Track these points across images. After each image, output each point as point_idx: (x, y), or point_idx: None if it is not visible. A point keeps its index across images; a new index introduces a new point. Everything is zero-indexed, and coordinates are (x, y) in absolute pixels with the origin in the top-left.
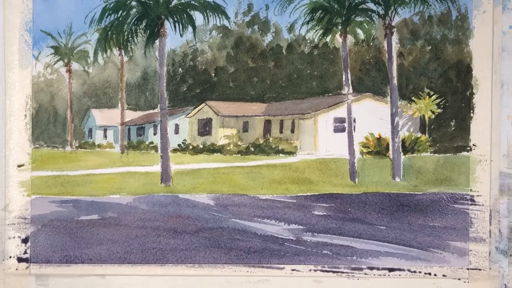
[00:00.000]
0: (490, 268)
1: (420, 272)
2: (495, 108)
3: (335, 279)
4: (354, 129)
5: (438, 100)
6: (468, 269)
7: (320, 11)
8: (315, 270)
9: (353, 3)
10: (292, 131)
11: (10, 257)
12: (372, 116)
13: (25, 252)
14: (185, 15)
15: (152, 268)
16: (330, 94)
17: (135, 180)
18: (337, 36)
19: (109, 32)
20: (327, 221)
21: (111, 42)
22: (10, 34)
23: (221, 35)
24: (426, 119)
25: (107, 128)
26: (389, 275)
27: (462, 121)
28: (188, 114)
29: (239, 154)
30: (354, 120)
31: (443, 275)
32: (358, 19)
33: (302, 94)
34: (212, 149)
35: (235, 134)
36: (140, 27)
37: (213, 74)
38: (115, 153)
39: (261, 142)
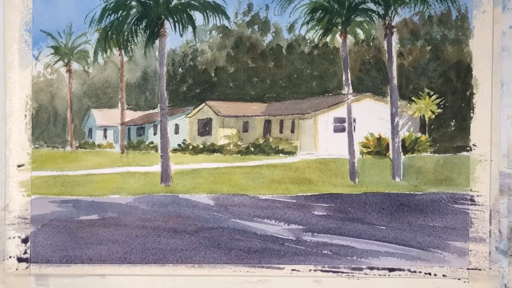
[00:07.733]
0: (490, 268)
1: (420, 272)
2: (495, 108)
3: (335, 279)
4: (354, 129)
5: (438, 100)
6: (468, 269)
7: (320, 11)
8: (315, 270)
9: (353, 3)
10: (292, 131)
11: (10, 257)
12: (372, 116)
13: (25, 252)
14: (185, 15)
15: (152, 268)
16: (330, 94)
17: (135, 180)
18: (337, 36)
19: (109, 32)
20: (327, 221)
21: (111, 42)
22: (10, 34)
23: (221, 35)
24: (426, 119)
25: (107, 128)
26: (389, 275)
27: (462, 121)
28: (188, 114)
29: (239, 154)
30: (354, 120)
31: (443, 275)
32: (358, 19)
33: (302, 94)
34: (212, 149)
35: (235, 134)
36: (140, 27)
37: (213, 74)
38: (115, 153)
39: (261, 142)
